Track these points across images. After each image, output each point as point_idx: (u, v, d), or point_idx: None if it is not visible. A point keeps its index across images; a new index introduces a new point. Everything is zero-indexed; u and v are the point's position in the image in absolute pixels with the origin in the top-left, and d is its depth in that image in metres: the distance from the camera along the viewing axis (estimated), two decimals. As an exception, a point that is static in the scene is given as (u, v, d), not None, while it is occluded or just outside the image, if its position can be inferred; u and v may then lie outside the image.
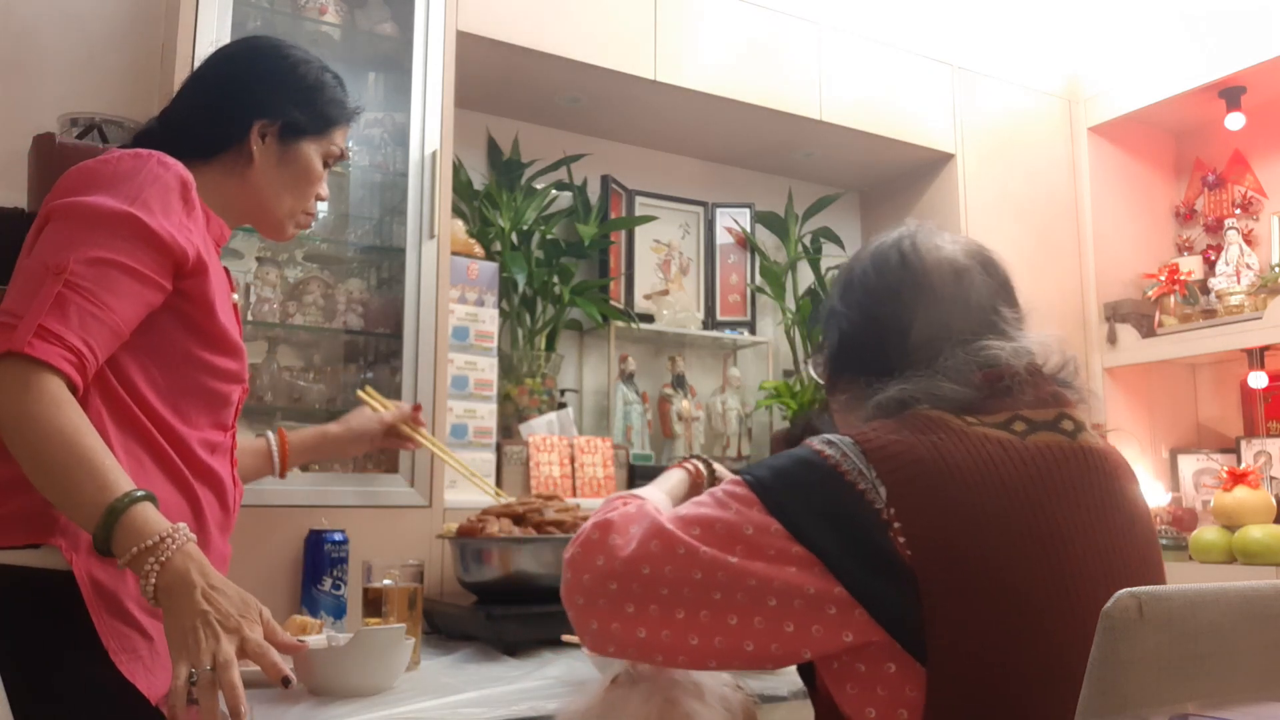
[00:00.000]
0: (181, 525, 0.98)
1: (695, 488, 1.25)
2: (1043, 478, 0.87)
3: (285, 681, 0.93)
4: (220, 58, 1.34)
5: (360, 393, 1.76)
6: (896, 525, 0.82)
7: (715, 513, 0.88)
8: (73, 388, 1.00)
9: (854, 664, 0.85)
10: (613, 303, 2.66)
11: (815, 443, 0.90)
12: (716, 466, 1.30)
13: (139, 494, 0.97)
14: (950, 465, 0.85)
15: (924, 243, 1.01)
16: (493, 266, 2.26)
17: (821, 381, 1.10)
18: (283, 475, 1.58)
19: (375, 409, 1.73)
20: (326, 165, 1.36)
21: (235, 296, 1.31)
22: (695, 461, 1.29)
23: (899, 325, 0.98)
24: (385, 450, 1.98)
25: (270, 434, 1.59)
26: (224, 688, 0.89)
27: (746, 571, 0.84)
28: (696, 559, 0.86)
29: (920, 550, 0.81)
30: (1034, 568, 0.83)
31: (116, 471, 0.97)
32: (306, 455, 1.63)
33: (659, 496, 1.12)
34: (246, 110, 1.28)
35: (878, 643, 0.83)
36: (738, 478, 0.91)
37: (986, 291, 0.98)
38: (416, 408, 1.75)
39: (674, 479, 1.26)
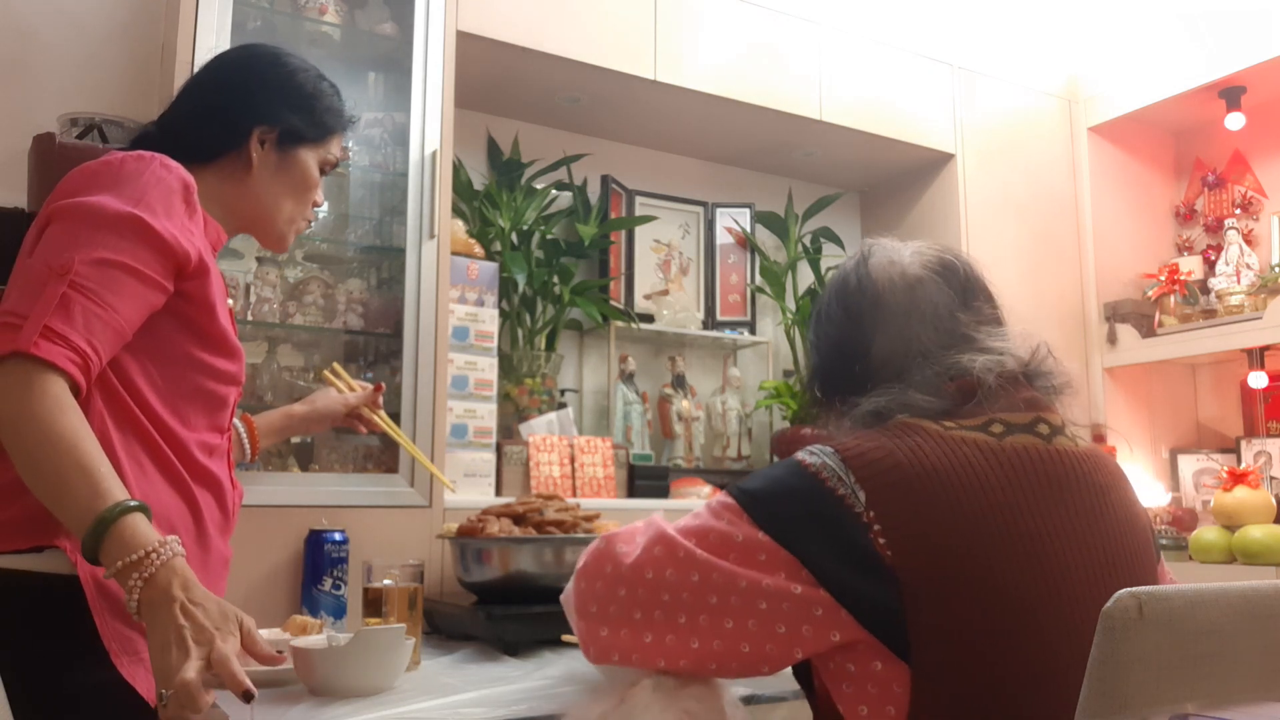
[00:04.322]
0: (172, 538, 0.97)
1: None
2: (1019, 479, 0.89)
3: (246, 696, 0.90)
4: (219, 64, 1.34)
5: (326, 372, 1.73)
6: (876, 527, 0.84)
7: (710, 523, 0.93)
8: (75, 389, 1.00)
9: (845, 663, 0.88)
10: (613, 303, 2.66)
11: (799, 454, 0.94)
12: None
13: (131, 504, 0.96)
14: (927, 468, 0.87)
15: (876, 261, 1.05)
16: (493, 266, 2.26)
17: (817, 413, 1.15)
18: (253, 460, 1.58)
19: (341, 390, 1.71)
20: (323, 172, 1.36)
21: (230, 300, 1.31)
22: None
23: (861, 347, 1.02)
24: (385, 450, 1.98)
25: (238, 422, 1.57)
26: (184, 699, 0.87)
27: (738, 575, 0.88)
28: (694, 562, 0.90)
29: (900, 550, 0.83)
30: (1013, 566, 0.84)
31: (111, 480, 0.97)
32: (273, 437, 1.63)
33: None
34: (245, 116, 1.28)
35: (864, 642, 0.85)
36: (728, 492, 0.96)
37: (943, 299, 1.01)
38: (378, 388, 1.73)
39: None
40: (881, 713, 0.84)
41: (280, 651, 1.00)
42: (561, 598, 1.08)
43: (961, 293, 1.02)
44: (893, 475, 0.86)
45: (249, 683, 0.91)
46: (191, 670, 0.89)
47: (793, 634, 0.86)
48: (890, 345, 1.00)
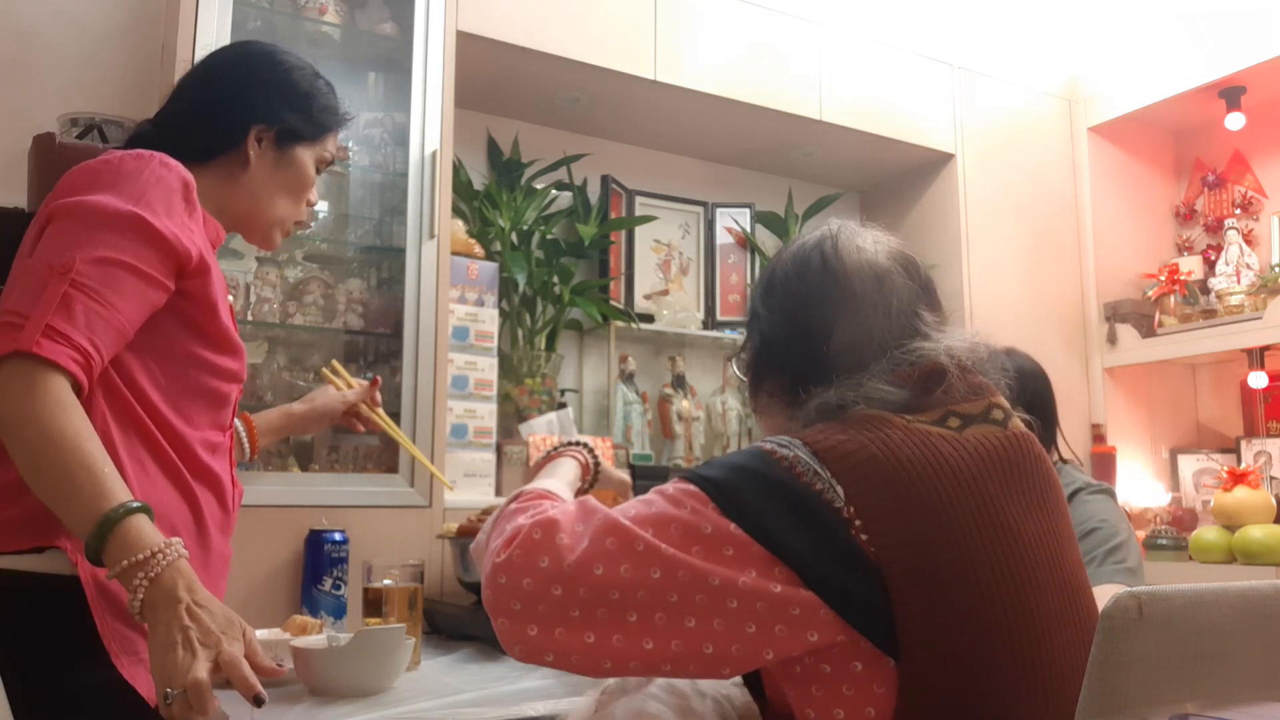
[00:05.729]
0: (175, 540, 0.96)
1: (583, 482, 1.22)
2: (987, 470, 0.88)
3: (257, 700, 0.90)
4: (215, 62, 1.34)
5: (325, 370, 1.73)
6: (858, 523, 0.82)
7: (669, 511, 0.85)
8: (78, 388, 1.00)
9: (818, 665, 0.84)
10: (613, 303, 2.66)
11: (766, 444, 0.88)
12: (603, 462, 1.27)
13: (135, 505, 0.95)
14: (904, 461, 0.85)
15: (845, 245, 1.00)
16: (493, 266, 2.26)
17: (744, 379, 1.08)
18: (253, 459, 1.57)
19: (340, 387, 1.71)
20: (318, 170, 1.37)
21: (230, 297, 1.31)
22: (584, 452, 1.24)
23: (821, 329, 0.96)
24: (385, 450, 1.98)
25: (237, 421, 1.57)
26: (193, 702, 0.88)
27: (709, 571, 0.81)
28: (656, 556, 0.82)
29: (884, 545, 0.81)
30: (992, 560, 0.84)
31: (115, 480, 0.97)
32: (272, 436, 1.62)
33: (567, 494, 1.06)
34: (243, 115, 1.28)
35: (843, 642, 0.82)
36: (686, 479, 0.88)
37: (908, 295, 0.97)
38: (374, 382, 1.72)
39: (570, 471, 1.21)
40: (860, 715, 0.82)
41: (280, 664, 0.99)
42: (472, 548, 1.00)
43: (924, 291, 1.00)
44: (869, 468, 0.84)
45: (260, 686, 0.91)
46: (202, 670, 0.89)
47: (764, 634, 0.81)
48: (852, 334, 0.95)
